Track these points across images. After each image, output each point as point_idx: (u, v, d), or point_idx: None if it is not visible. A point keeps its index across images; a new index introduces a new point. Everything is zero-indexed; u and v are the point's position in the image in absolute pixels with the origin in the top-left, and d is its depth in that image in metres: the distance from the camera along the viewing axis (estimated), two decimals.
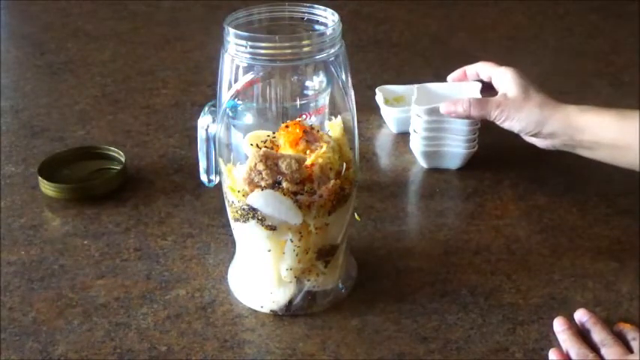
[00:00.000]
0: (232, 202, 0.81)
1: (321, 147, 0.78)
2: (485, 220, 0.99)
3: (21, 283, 0.88)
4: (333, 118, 0.83)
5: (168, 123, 1.21)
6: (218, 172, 0.87)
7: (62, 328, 0.82)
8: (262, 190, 0.77)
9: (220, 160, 0.83)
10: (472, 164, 1.08)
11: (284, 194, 0.77)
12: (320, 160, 0.77)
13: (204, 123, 0.94)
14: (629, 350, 0.77)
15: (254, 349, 0.80)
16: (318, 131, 0.80)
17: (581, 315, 0.82)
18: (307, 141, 0.78)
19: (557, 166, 1.09)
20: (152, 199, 1.03)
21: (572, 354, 0.78)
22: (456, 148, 1.06)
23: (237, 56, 0.78)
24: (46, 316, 0.84)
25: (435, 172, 1.09)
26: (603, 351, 0.78)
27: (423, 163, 1.10)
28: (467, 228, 0.98)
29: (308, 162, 0.77)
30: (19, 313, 0.84)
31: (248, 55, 0.77)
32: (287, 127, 0.80)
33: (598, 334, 0.80)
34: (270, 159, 0.76)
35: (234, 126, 0.98)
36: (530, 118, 0.95)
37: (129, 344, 0.80)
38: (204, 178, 0.98)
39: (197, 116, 0.94)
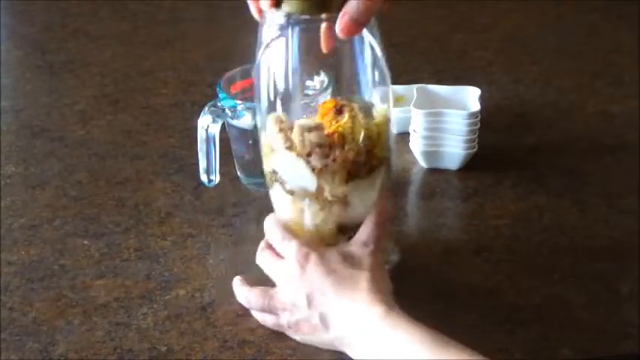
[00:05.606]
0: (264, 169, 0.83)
1: (344, 117, 0.79)
2: (485, 220, 0.99)
3: (21, 283, 0.88)
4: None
5: (169, 123, 1.21)
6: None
7: (62, 328, 0.82)
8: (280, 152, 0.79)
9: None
10: (472, 164, 1.08)
11: (297, 155, 0.78)
12: (340, 129, 0.78)
13: (204, 123, 0.94)
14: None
15: (254, 349, 0.80)
16: (349, 106, 0.81)
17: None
18: (336, 112, 0.80)
19: (557, 166, 1.09)
20: (152, 199, 1.02)
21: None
22: (456, 148, 1.06)
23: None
24: (46, 316, 0.84)
25: (435, 172, 1.09)
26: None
27: (422, 163, 1.09)
28: (467, 228, 0.98)
29: (330, 130, 0.78)
30: (19, 313, 0.84)
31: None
32: (324, 103, 0.82)
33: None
34: (284, 122, 0.79)
35: (234, 126, 0.98)
36: None
37: (129, 344, 0.80)
38: (204, 178, 0.98)
39: (197, 116, 0.94)
